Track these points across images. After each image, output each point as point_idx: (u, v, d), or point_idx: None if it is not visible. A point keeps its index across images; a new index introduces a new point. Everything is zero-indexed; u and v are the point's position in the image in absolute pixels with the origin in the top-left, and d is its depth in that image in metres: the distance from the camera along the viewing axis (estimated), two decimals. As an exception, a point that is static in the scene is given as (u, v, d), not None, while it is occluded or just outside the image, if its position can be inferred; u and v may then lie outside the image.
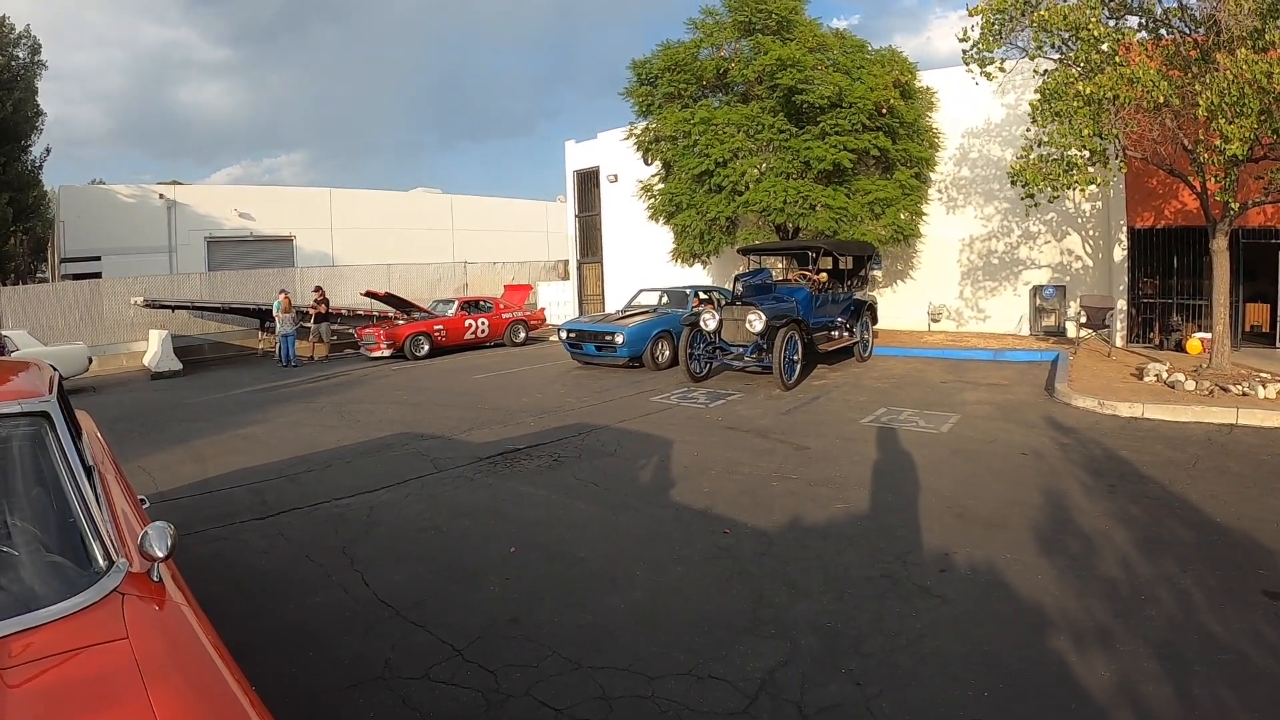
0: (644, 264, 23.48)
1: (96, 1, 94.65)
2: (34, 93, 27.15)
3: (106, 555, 2.30)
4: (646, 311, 16.57)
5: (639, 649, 4.11)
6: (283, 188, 38.96)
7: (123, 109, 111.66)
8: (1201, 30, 11.54)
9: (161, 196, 31.37)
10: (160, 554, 2.24)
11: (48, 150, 28.51)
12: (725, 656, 3.99)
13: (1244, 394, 10.43)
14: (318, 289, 22.03)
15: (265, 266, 27.87)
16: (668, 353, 15.25)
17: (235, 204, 33.04)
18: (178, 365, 19.63)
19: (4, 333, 16.37)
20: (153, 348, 20.05)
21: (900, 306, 20.20)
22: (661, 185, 19.26)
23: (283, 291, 20.59)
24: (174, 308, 22.09)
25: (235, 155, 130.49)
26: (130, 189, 31.65)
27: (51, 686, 1.85)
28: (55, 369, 3.39)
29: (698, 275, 21.87)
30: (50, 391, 2.80)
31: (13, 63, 26.22)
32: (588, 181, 28.03)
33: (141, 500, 3.57)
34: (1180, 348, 15.41)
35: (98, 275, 25.99)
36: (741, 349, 12.91)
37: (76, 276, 26.12)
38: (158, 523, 2.31)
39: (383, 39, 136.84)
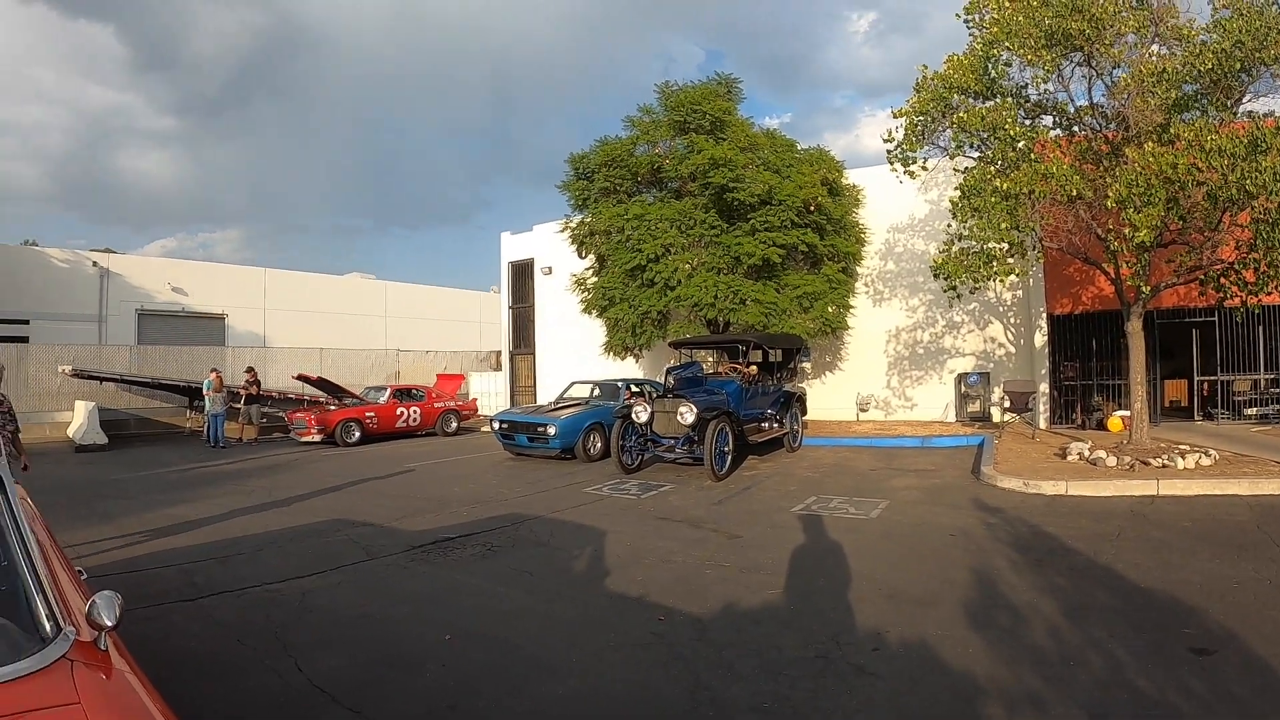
0: (576, 356, 23.73)
1: (45, 57, 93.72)
2: (-29, 146, 26.71)
3: (54, 622, 2.28)
4: (579, 403, 16.64)
5: (577, 734, 4.09)
6: (217, 264, 38.56)
7: (61, 169, 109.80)
8: (1112, 126, 12.27)
9: (95, 264, 30.82)
10: (109, 623, 2.23)
11: (-19, 206, 27.90)
12: (663, 740, 3.99)
13: (1164, 466, 10.91)
14: (250, 370, 21.86)
15: (196, 343, 27.59)
16: (600, 444, 15.23)
17: (169, 277, 32.59)
18: (103, 439, 19.19)
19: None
20: (78, 419, 19.58)
21: (829, 397, 20.60)
22: (595, 279, 19.61)
23: (214, 370, 20.38)
24: (102, 379, 21.69)
25: (170, 227, 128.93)
26: (64, 253, 31.03)
27: None
28: None
29: (630, 368, 22.07)
30: (0, 454, 2.79)
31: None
32: (522, 273, 28.34)
33: (80, 572, 3.51)
34: (1102, 426, 16.05)
35: (24, 339, 25.41)
36: (673, 441, 12.97)
37: (3, 339, 25.37)
38: (105, 592, 2.30)
39: (323, 121, 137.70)
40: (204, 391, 20.10)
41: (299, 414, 20.28)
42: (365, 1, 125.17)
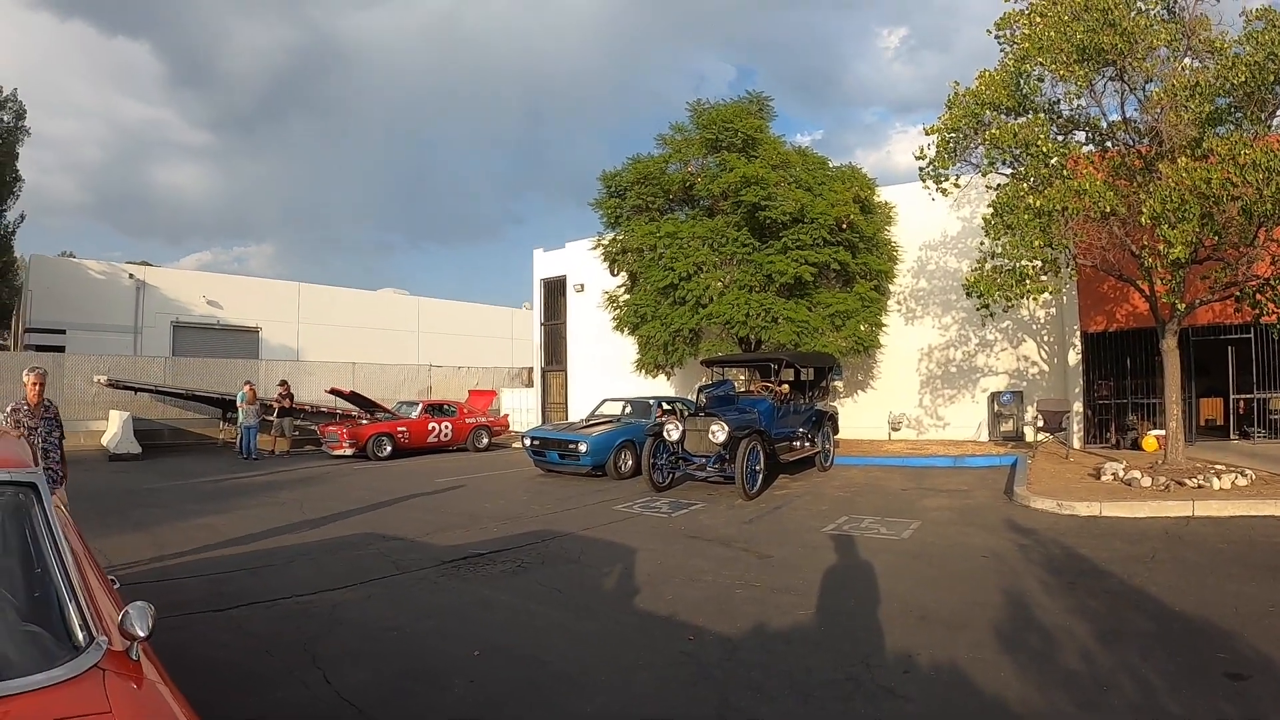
0: (608, 374, 23.71)
1: (82, 72, 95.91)
2: (14, 157, 27.14)
3: (87, 631, 2.30)
4: (610, 421, 16.62)
5: (605, 751, 4.06)
6: (251, 278, 39.06)
7: (98, 182, 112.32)
8: (1145, 141, 12.14)
9: (131, 276, 31.30)
10: (141, 633, 2.24)
11: (22, 217, 28.41)
12: (691, 758, 3.96)
13: (1199, 486, 10.72)
14: (283, 383, 22.07)
15: (230, 356, 27.89)
16: (631, 462, 15.18)
17: (204, 290, 33.06)
18: (137, 449, 19.46)
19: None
20: (112, 428, 19.90)
21: (861, 416, 20.45)
22: (627, 296, 19.65)
23: (248, 383, 20.66)
24: (137, 390, 22.06)
25: (205, 240, 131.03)
26: (101, 265, 31.56)
27: None
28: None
29: (661, 386, 22.04)
30: (36, 463, 2.81)
31: (-4, 126, 26.42)
32: (554, 290, 28.45)
33: (112, 580, 3.54)
34: (1136, 446, 15.81)
35: (61, 349, 25.82)
36: (704, 459, 12.91)
37: (40, 348, 25.86)
38: (138, 602, 2.31)
39: (357, 137, 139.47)
40: (237, 403, 20.37)
41: (331, 427, 20.47)
42: (398, 19, 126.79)
